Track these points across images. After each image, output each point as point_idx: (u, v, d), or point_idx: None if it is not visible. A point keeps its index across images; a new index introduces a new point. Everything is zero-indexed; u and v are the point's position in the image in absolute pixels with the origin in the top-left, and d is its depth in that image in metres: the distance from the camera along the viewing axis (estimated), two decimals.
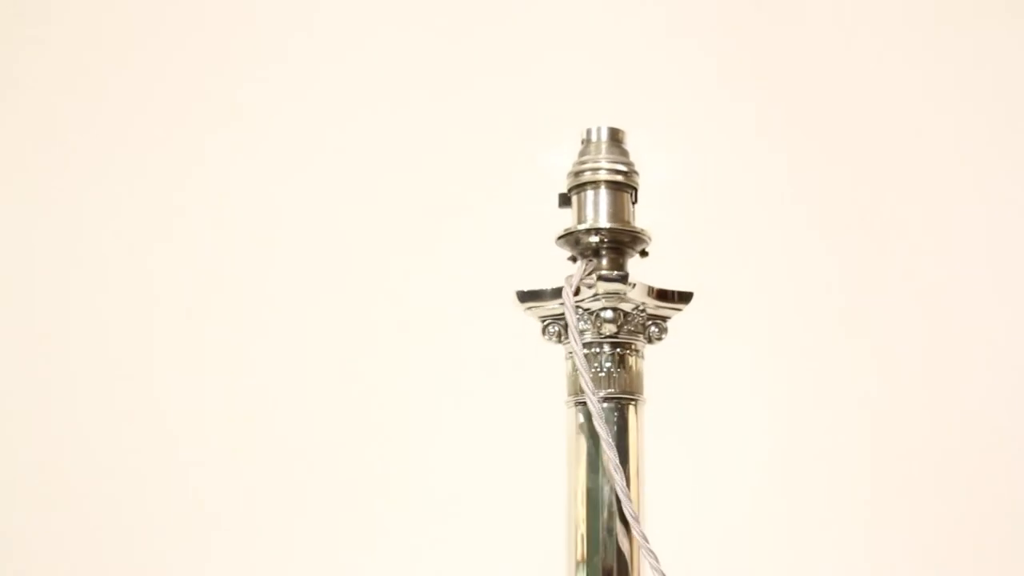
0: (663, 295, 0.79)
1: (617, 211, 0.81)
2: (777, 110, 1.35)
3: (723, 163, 1.35)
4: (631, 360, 0.80)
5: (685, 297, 0.81)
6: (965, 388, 1.30)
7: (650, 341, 0.81)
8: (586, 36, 1.38)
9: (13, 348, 1.31)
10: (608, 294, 0.78)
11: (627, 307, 0.79)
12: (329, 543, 1.29)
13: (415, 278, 1.32)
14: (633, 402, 0.79)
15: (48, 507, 1.27)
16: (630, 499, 0.75)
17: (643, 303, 0.80)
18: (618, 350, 0.79)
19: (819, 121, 1.35)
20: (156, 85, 1.35)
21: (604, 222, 0.80)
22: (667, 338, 0.83)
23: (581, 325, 0.79)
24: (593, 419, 0.76)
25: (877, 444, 1.30)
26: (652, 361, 1.23)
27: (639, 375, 0.81)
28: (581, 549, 0.77)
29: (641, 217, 1.27)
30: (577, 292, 0.77)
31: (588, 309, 0.79)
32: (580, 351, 0.77)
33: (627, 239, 0.81)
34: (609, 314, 0.78)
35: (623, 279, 0.77)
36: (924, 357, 1.31)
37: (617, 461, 0.76)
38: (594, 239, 0.81)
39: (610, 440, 0.76)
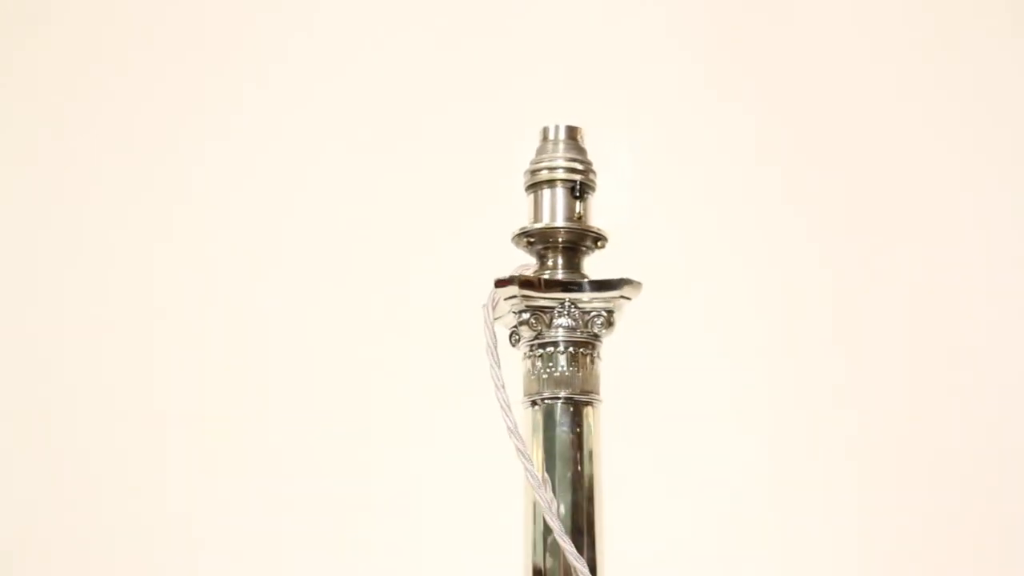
0: (528, 284, 0.76)
1: (568, 210, 0.80)
2: (767, 110, 1.35)
3: (714, 163, 1.35)
4: (586, 360, 0.78)
5: (554, 285, 0.77)
6: (954, 389, 1.30)
7: (596, 337, 0.80)
8: (581, 40, 1.38)
9: (13, 348, 1.33)
10: (508, 298, 0.78)
11: (545, 304, 0.78)
12: (322, 544, 1.29)
13: (414, 280, 1.33)
14: (589, 402, 0.78)
15: (44, 506, 1.29)
16: (551, 507, 0.76)
17: (568, 299, 0.79)
18: (580, 350, 0.78)
19: (811, 121, 1.35)
20: (156, 88, 1.38)
21: (560, 221, 0.80)
22: (616, 332, 0.80)
23: (564, 322, 0.78)
24: (509, 432, 0.77)
25: (866, 447, 1.29)
26: (634, 359, 1.16)
27: (596, 375, 0.79)
28: (532, 550, 0.77)
29: (630, 216, 1.22)
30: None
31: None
32: (495, 364, 0.78)
33: (568, 238, 0.80)
34: (525, 316, 0.78)
35: (512, 281, 0.76)
36: (912, 358, 1.30)
37: (535, 470, 0.77)
38: (521, 242, 0.81)
39: (525, 450, 0.77)
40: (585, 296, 0.78)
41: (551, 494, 0.76)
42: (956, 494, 1.28)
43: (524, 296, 0.77)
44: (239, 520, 1.28)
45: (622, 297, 0.78)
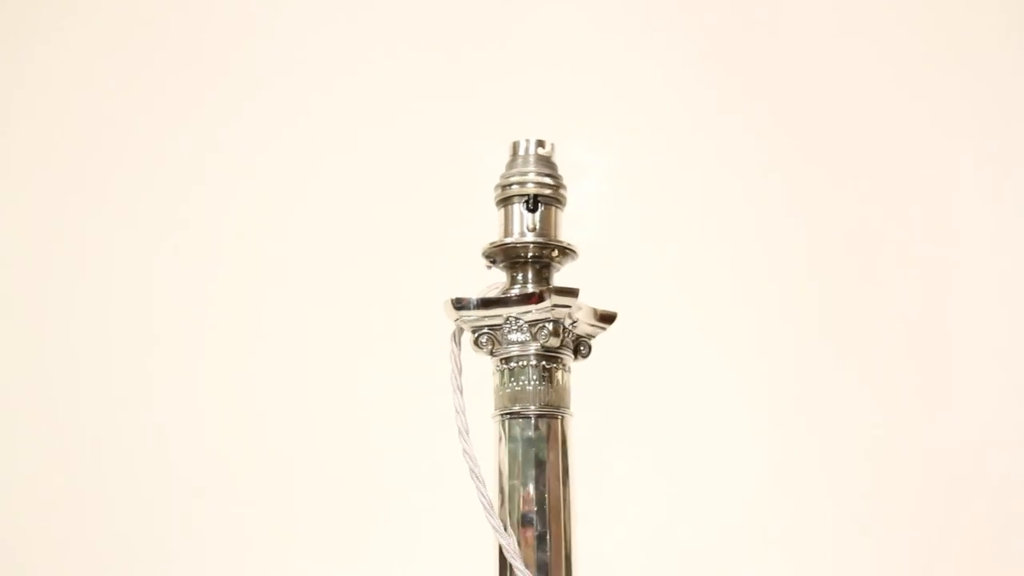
0: (462, 304, 0.77)
1: (544, 224, 0.79)
2: (765, 116, 1.34)
3: (712, 170, 1.34)
4: (554, 374, 0.78)
5: (486, 303, 0.77)
6: (959, 395, 1.27)
7: (547, 349, 0.79)
8: (574, 51, 1.36)
9: (16, 351, 1.34)
10: (455, 320, 0.80)
11: (491, 322, 0.79)
12: (320, 546, 1.28)
13: (407, 287, 1.30)
14: (557, 416, 0.77)
15: (46, 508, 1.30)
16: (499, 528, 0.77)
17: (507, 314, 0.79)
18: (546, 363, 0.77)
19: (810, 128, 1.34)
20: (157, 99, 1.38)
21: (530, 236, 0.79)
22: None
23: (514, 337, 0.78)
24: (464, 453, 0.79)
25: (869, 459, 1.27)
26: (633, 368, 1.22)
27: (565, 388, 0.78)
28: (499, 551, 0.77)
29: (631, 226, 1.30)
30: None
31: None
32: (456, 390, 0.81)
33: (533, 252, 0.79)
34: (475, 334, 0.79)
35: (454, 303, 0.78)
36: (917, 366, 1.29)
37: (485, 491, 0.78)
38: (487, 260, 0.82)
39: (479, 472, 0.78)
40: (516, 311, 0.77)
41: (504, 516, 0.77)
42: (961, 503, 1.25)
43: (463, 317, 0.78)
44: (239, 523, 1.30)
45: (556, 306, 0.76)
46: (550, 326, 0.77)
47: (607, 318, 0.80)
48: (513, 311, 0.76)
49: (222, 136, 1.37)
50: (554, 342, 0.77)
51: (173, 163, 1.36)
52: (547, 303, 0.76)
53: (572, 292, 0.76)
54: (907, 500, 1.26)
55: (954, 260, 1.30)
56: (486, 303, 0.77)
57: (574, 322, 0.79)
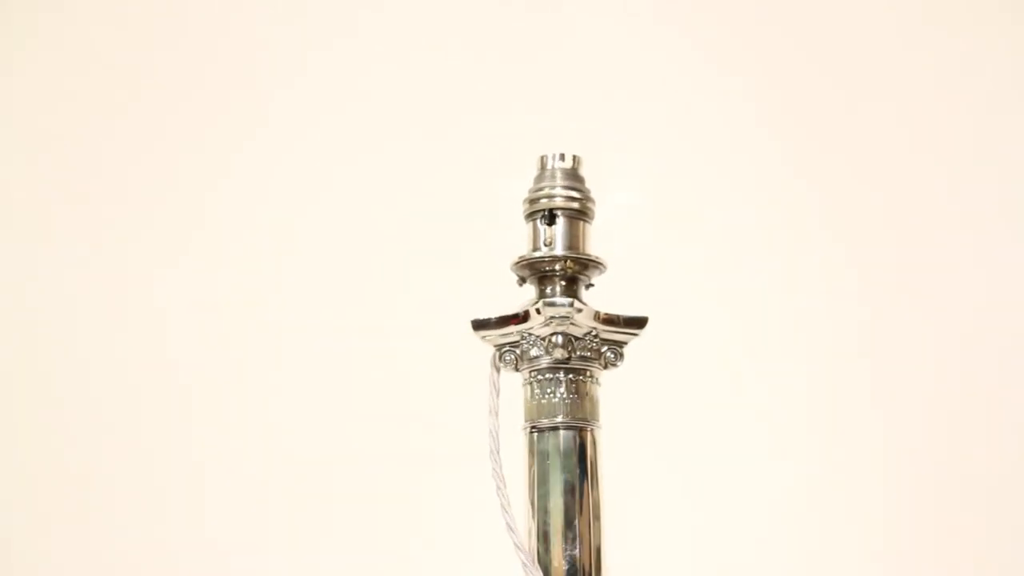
0: (481, 324, 0.77)
1: (572, 239, 0.79)
2: (796, 123, 1.32)
3: (749, 184, 1.31)
4: (583, 387, 0.77)
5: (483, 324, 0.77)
6: (998, 414, 1.24)
7: (556, 361, 0.78)
8: (605, 65, 1.34)
9: (35, 359, 1.32)
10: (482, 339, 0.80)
11: (509, 339, 0.79)
12: (329, 549, 1.26)
13: (425, 297, 1.28)
14: (586, 429, 0.76)
15: (73, 515, 1.29)
16: (514, 528, 0.77)
17: (517, 330, 0.79)
18: (575, 376, 0.77)
19: (845, 139, 1.31)
20: (169, 116, 1.37)
21: (559, 250, 0.78)
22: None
23: (534, 352, 0.78)
24: (493, 472, 0.80)
25: (910, 476, 1.24)
26: (669, 379, 1.20)
27: (593, 401, 0.77)
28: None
29: (669, 235, 1.30)
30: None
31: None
32: (492, 411, 0.81)
33: (547, 266, 0.79)
34: (507, 356, 0.79)
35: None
36: (961, 381, 1.25)
37: (506, 491, 0.77)
38: (516, 276, 0.82)
39: (500, 473, 0.78)
40: (499, 332, 0.77)
41: (530, 529, 0.77)
42: (1005, 525, 1.22)
43: (484, 336, 0.79)
44: (252, 526, 1.29)
45: (554, 318, 0.76)
46: (558, 338, 0.76)
47: (611, 320, 0.77)
48: (497, 332, 0.77)
49: (238, 150, 1.38)
50: (561, 354, 0.76)
51: (187, 180, 1.37)
52: (535, 320, 0.75)
53: (564, 304, 0.75)
54: (950, 522, 1.23)
55: (998, 276, 1.27)
56: (480, 325, 0.77)
57: (589, 332, 0.77)
